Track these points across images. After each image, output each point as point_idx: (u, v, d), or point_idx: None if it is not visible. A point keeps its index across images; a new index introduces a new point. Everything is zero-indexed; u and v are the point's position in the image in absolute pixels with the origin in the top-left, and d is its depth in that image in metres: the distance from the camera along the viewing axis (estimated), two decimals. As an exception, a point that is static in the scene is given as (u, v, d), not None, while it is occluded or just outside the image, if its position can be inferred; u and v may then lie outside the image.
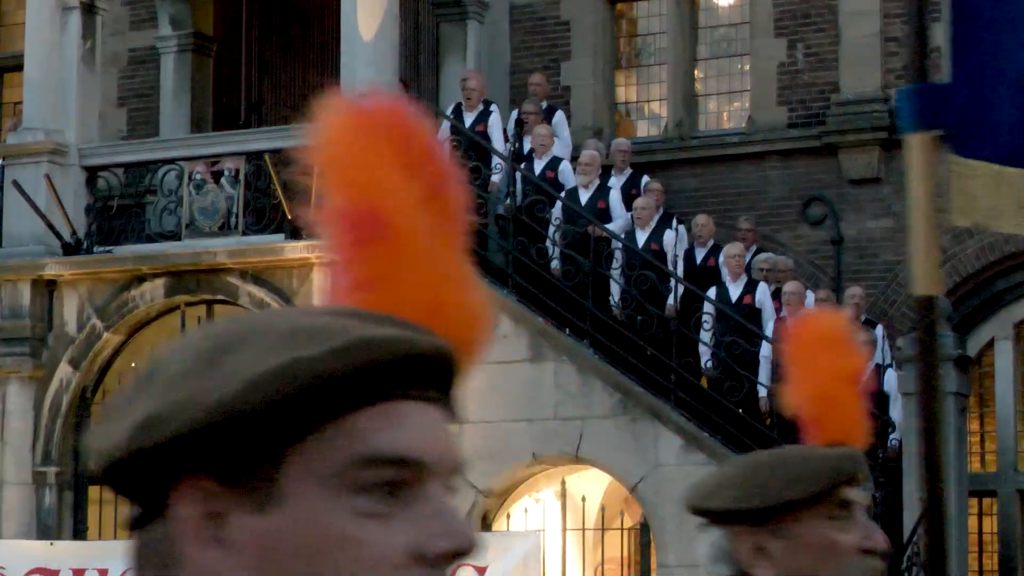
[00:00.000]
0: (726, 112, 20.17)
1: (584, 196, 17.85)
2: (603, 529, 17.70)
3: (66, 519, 18.77)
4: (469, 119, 18.45)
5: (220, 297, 18.42)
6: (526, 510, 17.65)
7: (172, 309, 18.73)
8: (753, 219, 18.57)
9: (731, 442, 16.45)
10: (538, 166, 18.13)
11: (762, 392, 16.76)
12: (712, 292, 17.21)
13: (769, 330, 16.90)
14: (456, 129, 18.26)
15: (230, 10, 21.92)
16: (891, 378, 16.51)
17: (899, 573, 15.32)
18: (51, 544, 18.28)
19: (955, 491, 15.41)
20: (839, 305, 17.29)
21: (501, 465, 17.10)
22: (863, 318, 17.21)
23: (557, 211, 17.74)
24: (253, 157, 18.42)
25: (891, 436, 16.31)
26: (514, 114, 18.78)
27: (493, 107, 18.57)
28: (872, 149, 18.76)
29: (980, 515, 17.74)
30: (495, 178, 18.01)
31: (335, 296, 1.69)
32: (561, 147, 18.48)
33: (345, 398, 1.53)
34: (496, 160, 18.11)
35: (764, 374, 16.75)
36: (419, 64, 20.14)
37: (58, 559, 17.75)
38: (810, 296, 17.24)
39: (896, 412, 16.27)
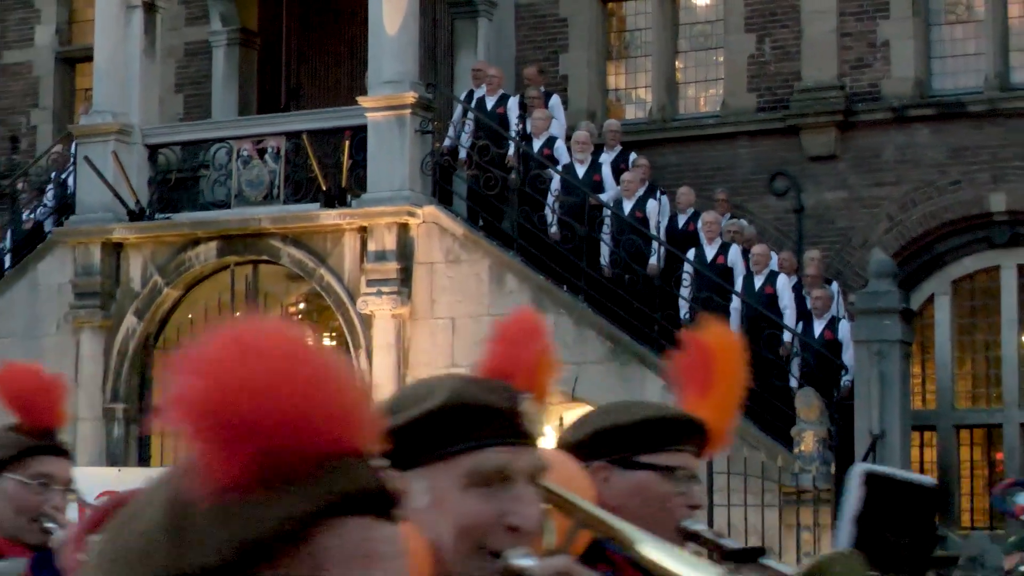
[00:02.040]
0: (703, 98, 20.08)
1: (580, 170, 17.83)
2: (595, 458, 17.73)
3: (132, 449, 18.86)
4: (491, 102, 18.44)
5: (264, 258, 18.49)
6: (529, 442, 17.66)
7: (223, 268, 18.80)
8: (727, 190, 18.54)
9: (706, 383, 16.45)
10: (536, 144, 18.12)
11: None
12: (691, 253, 17.19)
13: (739, 286, 16.94)
14: (477, 111, 18.29)
15: (272, 8, 21.88)
16: (844, 328, 16.52)
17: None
18: (119, 471, 18.36)
19: (900, 426, 15.44)
20: (799, 265, 17.32)
21: (507, 403, 17.10)
22: (821, 276, 17.24)
23: (556, 183, 17.73)
24: (292, 136, 18.45)
25: (844, 378, 16.32)
26: (517, 98, 18.72)
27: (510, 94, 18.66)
28: (829, 130, 18.69)
29: (921, 447, 17.78)
30: (510, 152, 18.00)
31: None
32: (557, 127, 18.42)
33: None
34: (510, 139, 18.10)
35: (735, 324, 16.72)
36: (436, 55, 20.09)
37: (125, 483, 17.78)
38: (774, 257, 17.25)
39: (848, 357, 16.27)
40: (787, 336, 16.61)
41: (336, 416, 1.47)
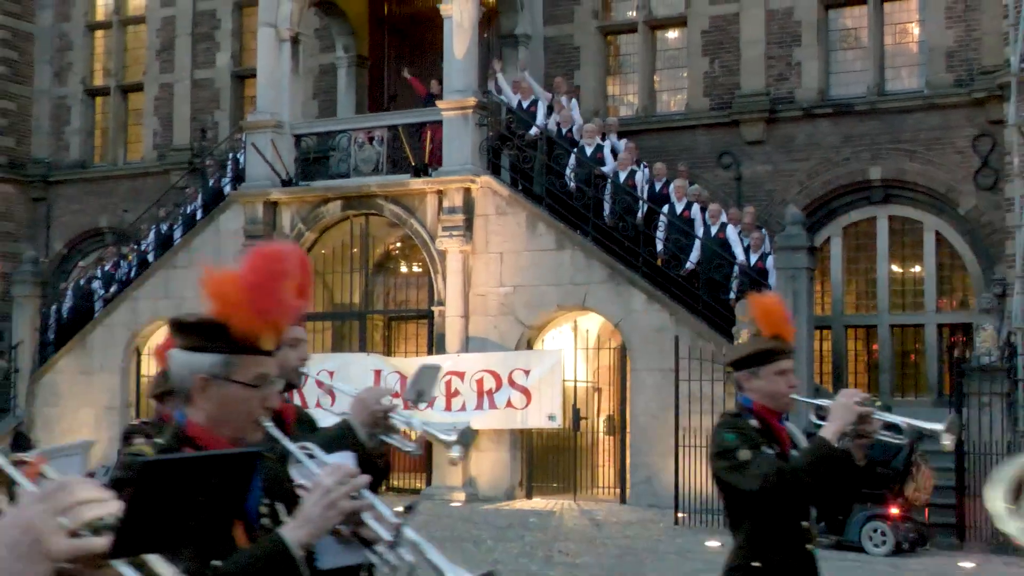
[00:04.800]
0: (672, 101, 19.98)
1: (589, 150, 17.81)
2: (598, 348, 17.87)
3: (284, 342, 19.00)
4: (526, 103, 18.39)
5: (373, 212, 18.49)
6: (553, 337, 17.79)
7: (344, 219, 18.83)
8: (688, 165, 18.52)
9: (675, 298, 16.54)
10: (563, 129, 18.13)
11: (691, 266, 16.79)
12: (665, 209, 17.19)
13: (700, 232, 16.93)
14: (514, 110, 18.21)
15: (378, 41, 21.84)
16: (770, 260, 16.56)
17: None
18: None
19: (806, 327, 15.50)
20: (741, 215, 17.27)
21: (539, 310, 17.24)
22: (753, 224, 17.24)
23: (572, 160, 17.71)
24: (392, 128, 18.45)
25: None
26: (547, 101, 18.64)
27: (538, 99, 18.60)
28: (760, 123, 18.63)
29: (821, 341, 17.84)
30: (532, 131, 17.90)
31: None
32: (575, 121, 18.40)
33: None
34: (535, 127, 18.06)
35: (695, 256, 16.79)
36: (488, 73, 20.06)
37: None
38: (723, 213, 17.22)
39: (772, 279, 16.32)
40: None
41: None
